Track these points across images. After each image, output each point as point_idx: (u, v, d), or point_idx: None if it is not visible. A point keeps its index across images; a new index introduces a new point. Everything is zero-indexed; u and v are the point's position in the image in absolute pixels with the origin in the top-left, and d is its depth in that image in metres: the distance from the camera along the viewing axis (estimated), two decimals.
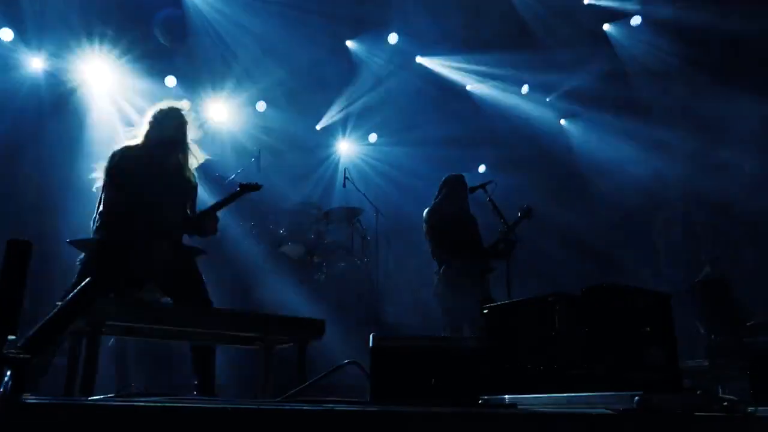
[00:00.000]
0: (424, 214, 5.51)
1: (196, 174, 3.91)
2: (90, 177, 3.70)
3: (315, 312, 6.86)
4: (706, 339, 6.58)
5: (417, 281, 7.77)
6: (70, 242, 3.44)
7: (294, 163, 8.83)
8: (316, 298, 7.48)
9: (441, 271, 5.24)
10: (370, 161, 9.83)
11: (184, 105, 3.93)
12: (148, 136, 3.73)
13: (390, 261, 8.66)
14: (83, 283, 1.34)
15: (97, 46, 6.94)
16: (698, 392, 1.99)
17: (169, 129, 3.77)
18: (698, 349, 6.68)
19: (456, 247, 5.26)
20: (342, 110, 9.21)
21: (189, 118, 3.88)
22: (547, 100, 9.75)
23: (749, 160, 8.39)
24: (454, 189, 5.50)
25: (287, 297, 7.09)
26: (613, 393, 1.71)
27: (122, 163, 3.57)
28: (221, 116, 8.33)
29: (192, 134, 3.87)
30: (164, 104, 3.88)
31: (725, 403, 2.04)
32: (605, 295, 1.83)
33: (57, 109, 6.80)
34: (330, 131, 9.35)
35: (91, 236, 3.51)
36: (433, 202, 5.61)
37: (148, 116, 3.81)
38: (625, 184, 9.11)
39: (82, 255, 3.41)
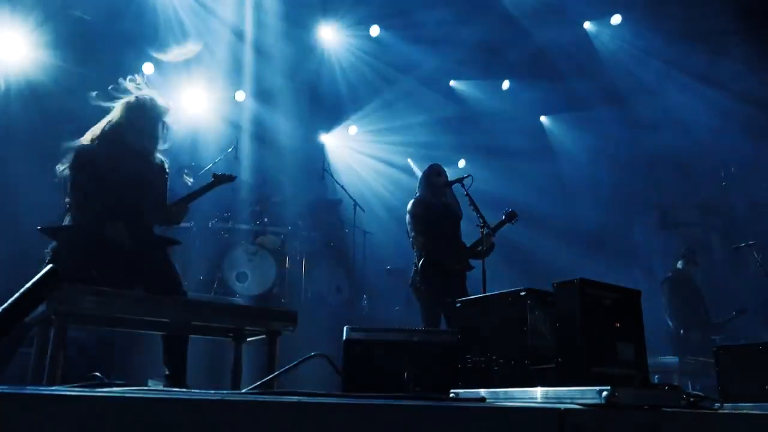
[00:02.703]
0: (408, 205, 5.51)
1: (168, 162, 3.85)
2: (59, 167, 3.61)
3: (293, 303, 6.87)
4: (676, 335, 6.70)
5: (395, 274, 7.78)
6: (41, 229, 3.37)
7: (272, 153, 8.77)
8: (294, 290, 7.47)
9: (420, 264, 5.24)
10: (349, 153, 9.80)
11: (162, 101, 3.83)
12: (122, 124, 3.64)
13: (368, 253, 8.65)
14: (43, 271, 1.30)
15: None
16: (666, 388, 2.01)
17: (145, 119, 3.69)
18: (669, 345, 6.81)
19: (437, 240, 5.27)
20: (321, 102, 9.15)
21: (165, 109, 3.80)
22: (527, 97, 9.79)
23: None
24: (436, 180, 5.51)
25: (265, 288, 7.06)
26: (581, 388, 1.72)
27: (94, 150, 3.49)
28: (199, 105, 8.23)
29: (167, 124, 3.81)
30: (142, 94, 3.80)
31: (692, 399, 2.07)
32: (576, 290, 1.84)
33: None
34: (309, 122, 9.28)
35: (62, 224, 3.45)
36: (415, 193, 5.61)
37: (124, 103, 3.72)
38: (605, 179, 9.21)
39: (53, 243, 3.35)
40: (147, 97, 3.77)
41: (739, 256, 6.88)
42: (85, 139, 3.60)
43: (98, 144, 3.54)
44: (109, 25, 7.15)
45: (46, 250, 3.38)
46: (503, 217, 5.33)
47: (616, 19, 8.60)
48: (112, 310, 2.76)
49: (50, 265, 1.36)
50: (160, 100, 3.79)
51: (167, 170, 3.82)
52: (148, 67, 7.76)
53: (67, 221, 3.47)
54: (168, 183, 3.83)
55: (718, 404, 2.29)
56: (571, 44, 8.86)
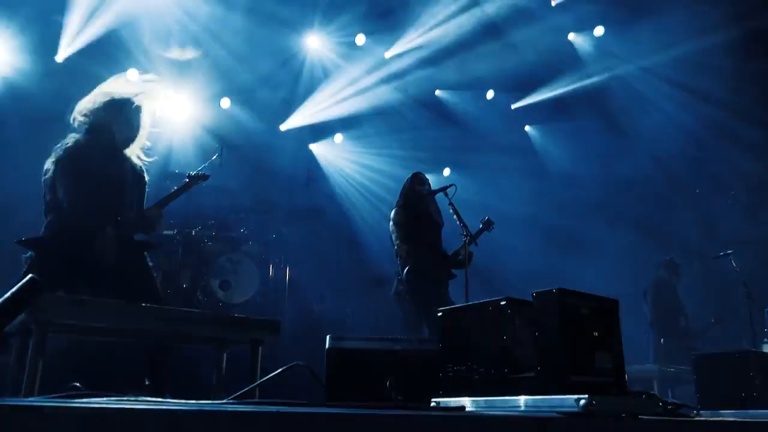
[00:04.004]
0: (391, 213, 5.53)
1: (146, 167, 3.83)
2: (44, 170, 3.57)
3: (276, 312, 6.84)
4: (656, 344, 6.78)
5: (379, 282, 7.78)
6: (19, 242, 3.33)
7: (257, 161, 8.74)
8: (278, 298, 7.44)
9: (404, 273, 5.25)
10: (334, 161, 9.80)
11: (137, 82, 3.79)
12: (102, 127, 3.61)
13: (352, 261, 8.65)
14: (24, 280, 1.30)
15: None
16: (643, 396, 2.04)
17: (123, 121, 3.67)
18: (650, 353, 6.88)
19: (420, 249, 5.29)
20: (307, 110, 9.14)
21: (144, 101, 3.76)
22: (512, 107, 9.87)
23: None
24: (419, 189, 5.53)
25: (248, 296, 7.03)
26: (560, 396, 1.75)
27: (74, 155, 3.47)
28: (183, 112, 8.19)
29: (148, 119, 3.77)
30: (120, 92, 3.76)
31: (669, 407, 2.11)
32: (555, 300, 1.86)
33: None
34: (294, 131, 9.28)
35: (42, 231, 3.42)
36: (396, 201, 5.64)
37: (104, 104, 3.68)
38: (590, 188, 9.30)
39: (29, 252, 3.31)
40: (125, 97, 3.73)
41: (719, 265, 6.98)
42: (66, 142, 3.56)
43: (80, 147, 3.51)
44: (92, 31, 7.12)
45: (25, 256, 3.35)
46: (480, 225, 5.40)
47: (599, 30, 8.73)
48: (92, 319, 2.74)
49: (30, 275, 1.36)
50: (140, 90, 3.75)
51: (146, 176, 3.81)
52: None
53: (49, 220, 3.43)
54: (146, 189, 3.82)
55: (695, 411, 2.32)
56: (556, 55, 8.97)
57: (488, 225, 5.41)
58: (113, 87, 3.73)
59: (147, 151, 3.86)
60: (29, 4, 6.66)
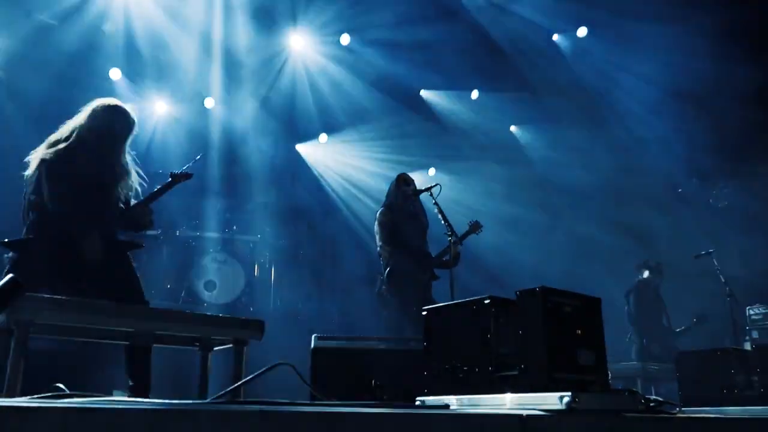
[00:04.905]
0: (377, 214, 5.54)
1: (132, 170, 3.81)
2: (25, 163, 3.53)
3: (261, 312, 6.82)
4: (639, 344, 6.85)
5: (365, 282, 7.78)
6: (1, 243, 3.29)
7: (242, 161, 8.70)
8: (263, 298, 7.42)
9: (386, 273, 5.26)
10: (319, 161, 9.78)
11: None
12: (89, 128, 3.60)
13: (338, 261, 8.64)
14: (3, 280, 1.28)
15: None
16: (626, 393, 2.07)
17: (112, 124, 3.66)
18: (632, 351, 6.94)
19: (404, 249, 5.30)
20: (292, 109, 9.10)
21: (135, 118, 3.80)
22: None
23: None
24: (404, 189, 5.54)
25: (233, 297, 7.01)
26: (543, 394, 1.76)
27: (58, 154, 3.44)
28: (167, 111, 8.14)
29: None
30: (111, 100, 3.77)
31: (652, 404, 2.13)
32: (538, 298, 1.88)
33: None
34: (279, 130, 9.24)
35: (24, 230, 3.39)
36: (383, 202, 5.64)
37: (92, 107, 3.69)
38: (574, 188, 9.36)
39: (11, 253, 3.28)
40: (118, 103, 3.76)
41: (700, 264, 7.06)
42: (51, 139, 3.54)
43: (75, 141, 3.49)
44: (75, 30, 7.04)
45: (7, 256, 3.31)
46: (468, 227, 5.41)
47: (582, 31, 8.79)
48: (74, 319, 2.71)
49: (10, 275, 1.35)
50: (130, 111, 3.80)
51: (132, 179, 3.78)
52: (115, 73, 7.66)
53: (32, 220, 3.39)
54: (131, 190, 3.80)
55: (677, 409, 2.35)
56: (540, 55, 9.02)
57: (476, 228, 5.41)
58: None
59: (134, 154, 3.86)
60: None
